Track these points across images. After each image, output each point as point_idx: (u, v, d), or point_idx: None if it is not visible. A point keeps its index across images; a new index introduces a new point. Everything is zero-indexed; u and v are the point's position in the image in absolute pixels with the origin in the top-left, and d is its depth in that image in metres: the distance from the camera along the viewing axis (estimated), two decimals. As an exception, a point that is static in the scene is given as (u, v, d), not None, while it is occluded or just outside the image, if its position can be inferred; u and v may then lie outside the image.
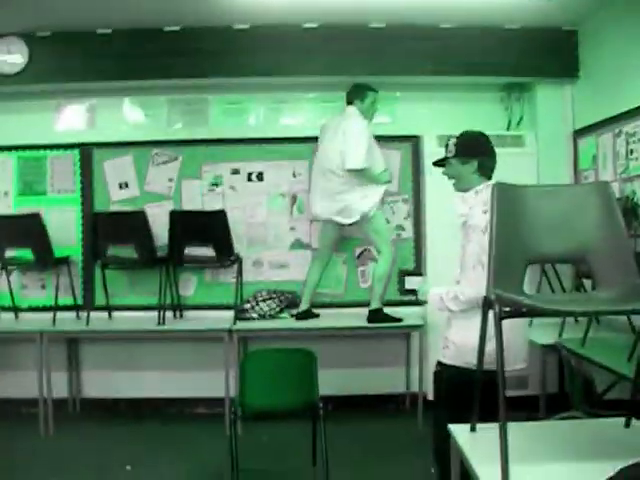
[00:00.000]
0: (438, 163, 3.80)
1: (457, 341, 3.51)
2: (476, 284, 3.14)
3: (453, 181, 3.67)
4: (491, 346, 2.62)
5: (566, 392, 5.00)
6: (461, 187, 3.63)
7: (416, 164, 6.37)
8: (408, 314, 6.01)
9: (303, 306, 6.01)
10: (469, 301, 3.36)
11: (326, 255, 6.10)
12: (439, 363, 3.64)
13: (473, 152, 3.59)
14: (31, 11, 5.54)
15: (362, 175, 5.63)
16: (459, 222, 3.51)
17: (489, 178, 3.57)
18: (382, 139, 6.06)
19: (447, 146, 3.67)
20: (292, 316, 6.05)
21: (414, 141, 6.39)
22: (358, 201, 5.65)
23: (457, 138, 3.65)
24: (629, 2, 5.15)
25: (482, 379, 2.88)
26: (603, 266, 2.42)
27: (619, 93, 5.33)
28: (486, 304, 2.32)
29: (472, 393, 2.72)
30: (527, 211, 2.46)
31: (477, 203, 3.44)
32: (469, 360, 3.21)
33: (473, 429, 2.56)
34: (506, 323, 2.14)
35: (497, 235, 2.29)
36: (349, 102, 5.79)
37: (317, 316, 6.02)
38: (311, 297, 6.02)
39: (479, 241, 3.31)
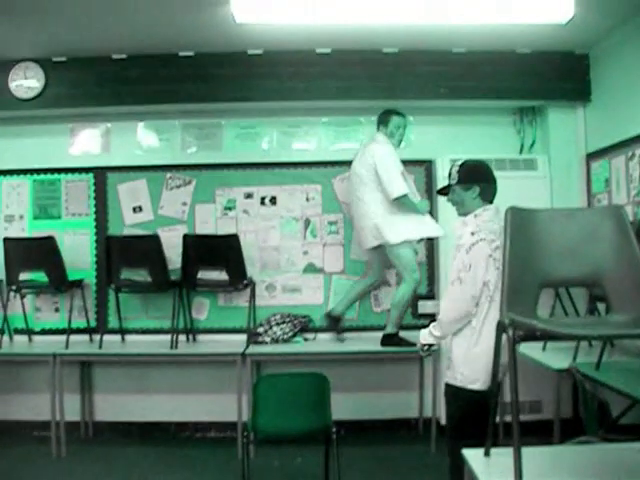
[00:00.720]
0: (442, 191, 4.00)
1: (452, 359, 3.73)
2: (452, 299, 3.63)
3: (456, 207, 3.85)
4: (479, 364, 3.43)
5: (580, 417, 4.97)
6: (463, 212, 3.80)
7: (430, 188, 6.36)
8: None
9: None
10: (447, 320, 3.67)
11: (370, 275, 6.17)
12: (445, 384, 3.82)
13: (475, 179, 3.77)
14: (47, 37, 5.60)
15: (400, 203, 5.57)
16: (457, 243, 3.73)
17: (490, 203, 3.77)
18: None
19: (450, 174, 3.85)
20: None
21: (427, 165, 6.40)
22: (387, 227, 5.57)
23: (459, 166, 3.82)
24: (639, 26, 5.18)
25: (475, 399, 3.50)
26: (617, 290, 2.42)
27: (631, 116, 5.33)
28: (500, 328, 2.32)
29: (466, 410, 3.31)
30: (540, 235, 2.47)
31: (472, 225, 3.67)
32: (457, 377, 3.62)
33: (487, 453, 2.54)
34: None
35: (510, 259, 2.30)
36: (377, 128, 5.83)
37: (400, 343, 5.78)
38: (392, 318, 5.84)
39: (461, 258, 3.57)
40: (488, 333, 3.39)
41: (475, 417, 3.37)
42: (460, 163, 3.84)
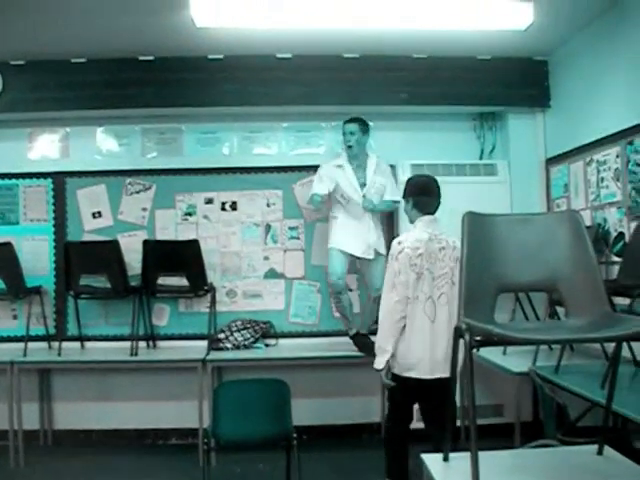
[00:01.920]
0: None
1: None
2: (391, 302, 4.22)
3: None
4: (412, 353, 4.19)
5: (541, 420, 5.01)
6: (410, 221, 4.48)
7: (390, 193, 6.38)
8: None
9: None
10: (389, 324, 4.23)
11: None
12: None
13: (411, 192, 4.46)
14: (5, 40, 5.52)
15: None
16: None
17: (430, 214, 4.38)
18: None
19: None
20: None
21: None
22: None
23: (406, 182, 4.59)
24: (597, 33, 5.24)
25: (408, 384, 4.24)
26: (574, 294, 2.44)
27: (590, 122, 5.40)
28: (457, 333, 2.32)
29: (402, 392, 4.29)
30: (498, 240, 2.48)
31: (401, 236, 4.43)
32: (395, 366, 4.30)
33: (446, 458, 2.55)
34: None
35: (467, 264, 2.30)
36: None
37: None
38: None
39: (392, 265, 4.26)
40: (415, 329, 4.19)
41: (406, 397, 4.36)
42: (408, 178, 4.65)
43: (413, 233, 4.33)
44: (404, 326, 4.21)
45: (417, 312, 4.19)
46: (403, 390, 4.30)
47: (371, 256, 5.73)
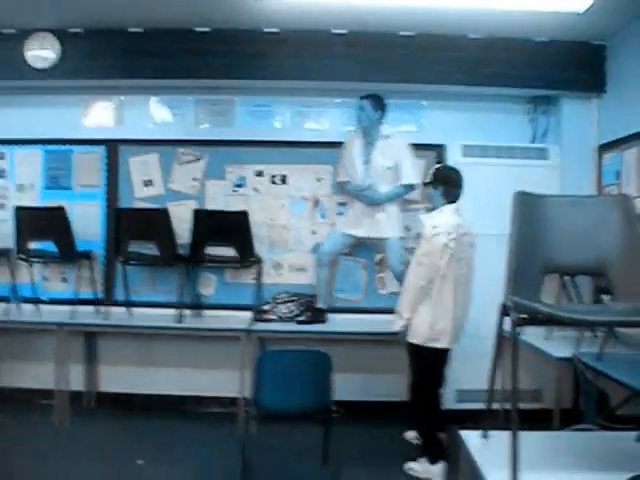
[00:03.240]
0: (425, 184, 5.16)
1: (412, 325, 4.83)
2: (415, 276, 4.73)
3: (428, 200, 5.10)
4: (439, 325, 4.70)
5: (580, 407, 4.98)
6: (431, 206, 5.01)
7: (440, 173, 6.36)
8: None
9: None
10: (410, 293, 4.77)
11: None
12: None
13: (442, 181, 4.90)
14: (64, 8, 5.61)
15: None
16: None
17: (452, 203, 4.87)
18: None
19: (428, 174, 5.02)
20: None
21: (438, 150, 6.38)
22: None
23: (435, 169, 5.04)
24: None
25: (433, 354, 4.80)
26: (621, 279, 2.43)
27: (645, 109, 5.33)
28: (502, 310, 2.33)
29: (427, 362, 4.82)
30: (548, 221, 2.47)
31: (434, 220, 4.79)
32: (418, 337, 4.78)
33: (485, 435, 2.57)
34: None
35: (516, 243, 2.31)
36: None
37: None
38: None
39: (424, 245, 4.71)
40: (444, 303, 4.72)
41: (433, 367, 4.88)
42: (436, 167, 5.10)
43: (444, 217, 4.79)
44: (429, 300, 4.74)
45: (445, 289, 4.72)
46: (427, 358, 4.83)
47: (380, 234, 5.89)
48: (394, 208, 5.93)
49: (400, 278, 5.64)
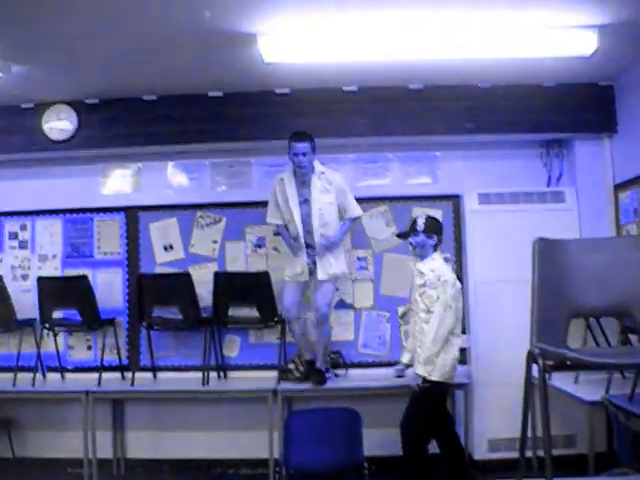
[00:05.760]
0: (400, 235, 5.45)
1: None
2: (447, 322, 4.90)
3: (416, 249, 5.17)
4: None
5: (615, 450, 4.92)
6: (421, 254, 5.16)
7: (457, 223, 6.38)
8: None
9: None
10: (442, 337, 4.91)
11: None
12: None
13: (436, 231, 5.17)
14: (79, 79, 5.75)
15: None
16: (420, 282, 5.08)
17: (435, 250, 5.17)
18: (422, 199, 6.36)
19: (416, 223, 5.15)
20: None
21: (454, 200, 6.41)
22: None
23: (425, 219, 5.16)
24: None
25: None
26: (648, 319, 2.42)
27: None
28: (530, 358, 2.33)
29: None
30: (569, 265, 2.48)
31: (433, 266, 5.07)
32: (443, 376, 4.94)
33: (521, 484, 2.54)
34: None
35: (539, 289, 2.31)
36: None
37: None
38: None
39: (450, 291, 4.96)
40: (458, 342, 5.03)
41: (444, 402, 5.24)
42: (425, 216, 5.21)
43: (444, 266, 5.15)
44: (456, 338, 5.03)
45: (459, 328, 5.11)
46: (445, 396, 5.21)
47: (320, 277, 5.72)
48: (341, 248, 5.87)
49: (322, 320, 5.74)
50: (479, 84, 6.08)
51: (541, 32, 4.89)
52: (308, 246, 5.71)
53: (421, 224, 5.12)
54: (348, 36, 4.89)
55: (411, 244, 5.21)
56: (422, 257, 5.15)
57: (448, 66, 5.53)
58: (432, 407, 5.04)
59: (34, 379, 6.11)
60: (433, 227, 5.16)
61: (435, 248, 5.17)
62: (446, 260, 5.32)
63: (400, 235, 5.47)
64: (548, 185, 6.43)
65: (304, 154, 5.55)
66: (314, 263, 5.71)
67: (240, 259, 6.48)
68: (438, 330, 4.89)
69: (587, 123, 6.15)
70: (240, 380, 6.25)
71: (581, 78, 5.97)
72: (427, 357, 4.90)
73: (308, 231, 5.66)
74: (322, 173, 5.69)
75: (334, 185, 5.68)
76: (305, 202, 5.67)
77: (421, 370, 4.94)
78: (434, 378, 4.89)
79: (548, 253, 2.42)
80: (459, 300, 5.05)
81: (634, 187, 5.76)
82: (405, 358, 5.43)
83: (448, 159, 6.49)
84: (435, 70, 5.65)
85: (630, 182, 5.83)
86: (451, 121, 6.15)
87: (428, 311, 5.00)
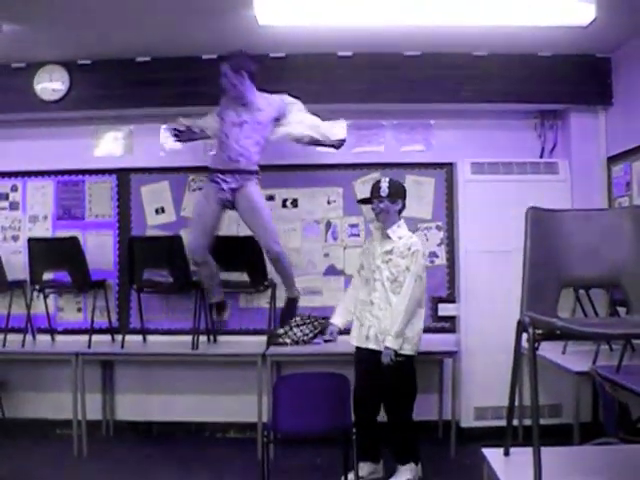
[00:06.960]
0: (364, 201, 5.24)
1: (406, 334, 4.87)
2: (417, 292, 4.85)
3: (381, 215, 4.97)
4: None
5: (600, 421, 4.96)
6: (386, 220, 4.97)
7: (450, 191, 6.37)
8: (442, 341, 6.04)
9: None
10: (412, 309, 4.84)
11: None
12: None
13: (401, 195, 5.00)
14: (72, 40, 5.69)
15: None
16: (387, 248, 4.92)
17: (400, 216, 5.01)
18: (416, 166, 6.34)
19: (380, 187, 4.94)
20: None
21: (448, 168, 6.40)
22: None
23: (388, 182, 4.97)
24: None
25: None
26: (636, 290, 2.43)
27: (653, 119, 5.33)
28: (520, 327, 2.33)
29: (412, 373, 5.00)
30: (561, 235, 2.48)
31: (401, 234, 4.95)
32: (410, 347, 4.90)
33: (507, 453, 2.56)
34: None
35: (531, 258, 2.31)
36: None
37: None
38: None
39: (420, 261, 4.90)
40: (421, 313, 4.98)
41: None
42: (388, 180, 5.00)
43: (413, 235, 5.07)
44: (420, 309, 4.99)
45: (424, 299, 5.13)
46: (413, 367, 5.01)
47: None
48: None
49: (280, 259, 5.55)
50: (475, 52, 6.05)
51: (538, 1, 4.86)
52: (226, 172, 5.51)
53: (385, 188, 4.93)
54: None
55: (374, 210, 5.02)
56: (386, 223, 4.97)
57: (444, 33, 5.50)
58: (411, 379, 5.00)
59: (24, 340, 6.12)
60: (398, 191, 4.99)
61: (399, 214, 5.01)
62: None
63: (363, 201, 5.31)
64: (541, 156, 6.42)
65: (225, 75, 5.39)
66: (233, 191, 5.52)
67: (231, 224, 6.44)
68: (410, 301, 4.80)
69: (583, 95, 6.13)
70: (230, 344, 6.26)
71: (578, 49, 5.94)
72: (399, 330, 4.77)
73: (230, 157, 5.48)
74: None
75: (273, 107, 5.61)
76: (237, 125, 5.49)
77: (392, 343, 4.77)
78: (406, 352, 4.85)
79: (541, 222, 2.42)
80: (425, 270, 4.98)
81: (627, 160, 5.76)
82: (339, 321, 5.31)
83: (442, 127, 6.46)
84: (431, 37, 5.61)
85: (623, 155, 5.83)
86: (446, 89, 6.12)
87: (395, 280, 4.88)
